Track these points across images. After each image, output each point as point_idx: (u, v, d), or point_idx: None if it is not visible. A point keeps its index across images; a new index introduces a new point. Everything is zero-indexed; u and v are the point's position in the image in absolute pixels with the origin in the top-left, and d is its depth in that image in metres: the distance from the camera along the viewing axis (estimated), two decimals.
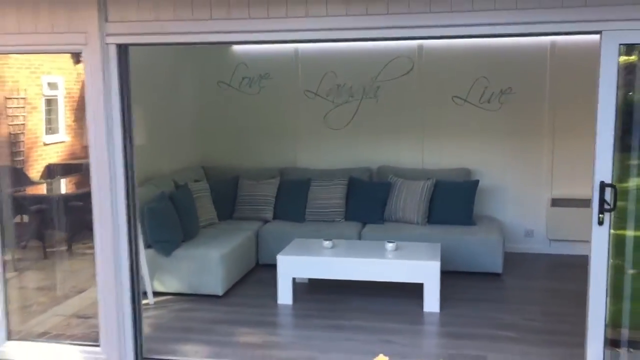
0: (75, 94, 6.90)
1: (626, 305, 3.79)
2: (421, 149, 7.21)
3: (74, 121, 7.01)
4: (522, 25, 3.48)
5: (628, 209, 3.71)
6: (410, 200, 6.70)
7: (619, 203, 3.49)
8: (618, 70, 3.35)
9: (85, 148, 4.03)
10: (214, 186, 6.89)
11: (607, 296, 3.56)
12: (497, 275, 6.17)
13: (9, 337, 4.35)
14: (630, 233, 3.75)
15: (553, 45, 6.76)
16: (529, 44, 6.79)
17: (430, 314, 5.14)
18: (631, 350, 3.88)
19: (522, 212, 7.07)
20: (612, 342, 3.77)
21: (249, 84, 7.48)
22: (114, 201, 4.02)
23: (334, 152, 7.36)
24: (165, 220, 5.61)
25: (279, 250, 5.79)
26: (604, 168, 3.43)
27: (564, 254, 6.89)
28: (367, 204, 6.83)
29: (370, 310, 5.26)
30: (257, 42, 4.10)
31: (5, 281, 4.31)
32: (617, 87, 3.35)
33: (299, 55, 7.29)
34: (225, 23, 3.76)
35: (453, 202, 6.65)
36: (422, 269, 5.21)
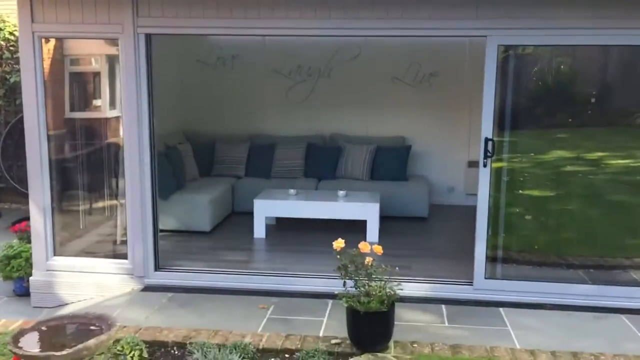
0: None
1: (500, 234, 5.45)
2: (365, 120, 8.80)
3: None
4: (435, 29, 5.10)
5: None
6: (356, 161, 8.32)
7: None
8: (497, 62, 4.99)
9: None
10: (195, 148, 8.31)
11: (489, 220, 5.23)
12: (424, 219, 7.87)
13: (55, 253, 5.73)
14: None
15: (471, 37, 8.43)
16: (452, 36, 8.43)
17: (371, 242, 6.77)
18: (502, 265, 5.54)
19: (446, 171, 8.79)
20: (490, 259, 5.41)
21: (222, 63, 8.88)
22: (141, 153, 5.44)
23: (295, 121, 8.87)
24: (163, 170, 7.00)
25: (251, 200, 7.30)
26: (487, 128, 5.10)
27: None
28: (322, 164, 8.41)
29: (325, 241, 6.79)
30: (251, 35, 5.55)
31: (53, 210, 5.66)
32: (496, 74, 5.00)
33: (265, 39, 8.72)
34: (228, 21, 5.22)
35: (390, 162, 8.30)
36: (366, 209, 6.84)
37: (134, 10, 5.26)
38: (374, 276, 4.15)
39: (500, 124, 5.19)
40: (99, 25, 5.32)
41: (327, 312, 5.02)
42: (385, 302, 4.08)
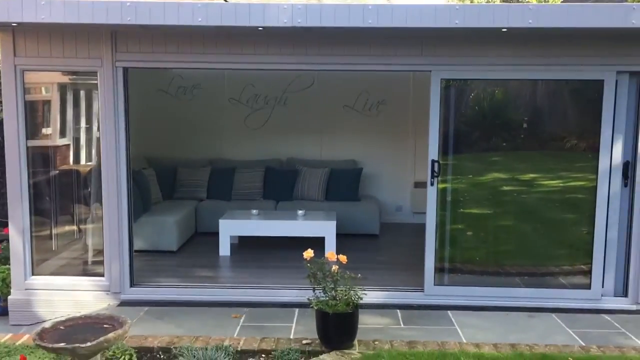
0: None
1: (447, 247, 6.10)
2: (319, 144, 9.43)
3: None
4: (387, 65, 5.78)
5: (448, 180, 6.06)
6: (312, 183, 8.90)
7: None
8: (440, 94, 5.70)
9: None
10: (157, 172, 8.72)
11: (436, 234, 5.89)
12: (375, 235, 8.50)
13: (33, 273, 6.04)
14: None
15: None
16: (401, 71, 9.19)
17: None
18: (449, 274, 6.20)
19: (394, 192, 9.48)
20: (438, 269, 6.06)
21: (183, 92, 9.35)
22: (119, 176, 5.87)
23: (253, 146, 9.40)
24: (133, 194, 7.41)
25: (213, 221, 7.77)
26: (433, 151, 5.78)
27: (423, 223, 9.32)
28: (279, 186, 8.95)
29: (285, 257, 7.36)
30: (221, 68, 6.08)
31: (31, 234, 5.99)
32: (440, 103, 5.70)
33: (225, 70, 9.25)
34: (201, 56, 5.76)
35: (343, 184, 8.92)
36: (324, 226, 7.41)
37: (113, 45, 5.72)
38: (339, 282, 4.70)
39: (443, 148, 5.87)
40: (79, 59, 5.76)
41: (295, 319, 5.52)
42: (351, 304, 4.64)
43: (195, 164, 9.14)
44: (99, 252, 6.14)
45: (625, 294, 5.89)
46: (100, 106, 5.83)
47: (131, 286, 6.05)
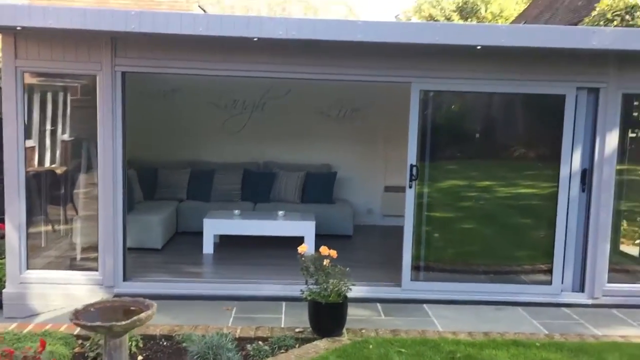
0: None
1: (422, 246, 6.57)
2: (296, 149, 9.83)
3: None
4: (370, 76, 6.24)
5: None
6: (289, 185, 9.30)
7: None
8: (419, 104, 6.19)
9: None
10: (139, 174, 8.97)
11: (413, 234, 6.36)
12: (349, 236, 8.95)
13: (28, 267, 6.25)
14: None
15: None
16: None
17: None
18: (424, 271, 6.67)
19: (365, 195, 9.96)
20: (414, 267, 6.54)
21: (163, 95, 9.63)
22: (115, 176, 6.15)
23: (231, 150, 9.74)
24: None
25: (193, 221, 8.11)
26: (412, 156, 6.26)
27: (392, 225, 9.84)
28: (257, 188, 9.32)
29: (267, 255, 7.74)
30: (217, 75, 6.40)
31: (27, 230, 6.21)
32: (419, 113, 6.19)
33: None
34: (194, 63, 6.10)
35: (319, 187, 9.35)
36: (303, 226, 7.81)
37: (113, 50, 6.01)
38: (330, 275, 5.11)
39: (420, 153, 6.36)
40: (79, 63, 6.02)
41: (283, 310, 5.91)
42: (341, 295, 5.06)
43: (176, 165, 9.42)
44: (90, 247, 6.41)
45: (582, 289, 6.47)
46: (98, 109, 6.10)
47: (124, 280, 6.32)
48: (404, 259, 6.41)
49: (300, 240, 7.89)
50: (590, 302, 6.40)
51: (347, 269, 5.27)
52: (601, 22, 9.31)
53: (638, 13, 8.88)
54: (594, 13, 9.77)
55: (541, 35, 5.66)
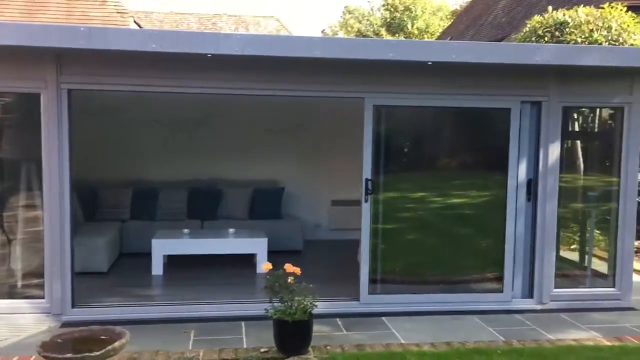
0: None
1: (378, 259, 6.62)
2: (241, 165, 9.71)
3: None
4: (322, 91, 6.28)
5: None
6: (236, 202, 9.19)
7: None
8: (372, 119, 6.26)
9: None
10: (77, 194, 8.61)
11: (369, 249, 6.40)
12: (299, 251, 8.91)
13: None
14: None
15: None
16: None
17: (261, 274, 7.65)
18: (381, 283, 6.72)
19: (312, 210, 9.96)
20: (372, 280, 6.58)
21: (103, 113, 9.31)
22: (62, 196, 5.89)
23: (175, 167, 9.52)
24: None
25: (138, 241, 7.88)
26: (367, 170, 6.32)
27: (340, 239, 9.88)
28: (203, 206, 9.15)
29: (218, 274, 7.60)
30: (163, 92, 6.27)
31: None
32: (372, 128, 6.27)
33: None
34: (145, 79, 5.95)
35: (267, 203, 9.29)
36: (256, 243, 7.74)
37: (57, 67, 5.78)
38: (294, 292, 5.07)
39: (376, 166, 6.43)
40: (21, 80, 5.76)
41: (243, 330, 5.81)
42: (307, 312, 5.02)
43: (117, 185, 9.13)
44: (31, 273, 6.10)
45: (531, 295, 6.70)
46: (43, 127, 5.84)
47: (72, 307, 6.04)
48: (361, 272, 6.44)
49: (250, 257, 7.82)
50: (539, 307, 6.64)
51: (311, 285, 5.24)
52: (533, 38, 9.73)
53: (567, 29, 9.34)
54: (525, 29, 10.20)
55: (493, 52, 5.87)
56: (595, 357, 5.13)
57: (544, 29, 9.60)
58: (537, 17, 10.03)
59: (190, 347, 5.36)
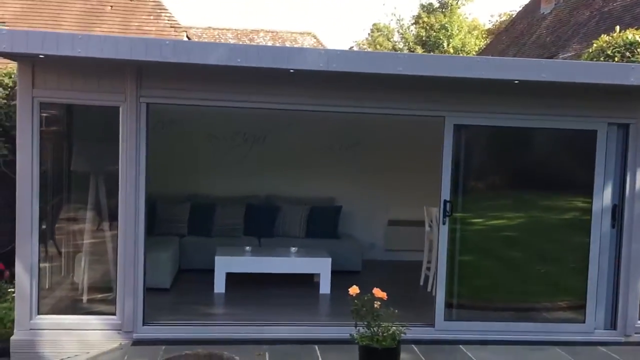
0: None
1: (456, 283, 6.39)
2: (297, 182, 9.55)
3: None
4: (400, 109, 6.11)
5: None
6: (293, 220, 9.04)
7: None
8: (453, 139, 6.06)
9: None
10: None
11: (446, 273, 6.18)
12: (357, 272, 8.69)
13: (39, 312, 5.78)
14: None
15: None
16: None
17: (324, 294, 7.48)
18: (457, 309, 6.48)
19: (368, 230, 9.73)
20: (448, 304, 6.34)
21: (162, 127, 9.25)
22: (137, 210, 5.79)
23: (231, 183, 9.39)
24: None
25: (196, 257, 7.76)
26: (445, 192, 6.11)
27: (395, 259, 9.64)
28: (260, 223, 9.01)
29: (280, 294, 7.42)
30: (242, 107, 6.17)
31: (38, 271, 5.75)
32: (452, 148, 6.07)
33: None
34: (212, 94, 5.84)
35: (324, 221, 9.11)
36: (319, 263, 7.55)
37: (138, 80, 5.70)
38: (379, 318, 4.87)
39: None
40: (101, 94, 5.69)
41: (318, 354, 5.61)
42: (395, 339, 4.81)
43: (175, 199, 9.03)
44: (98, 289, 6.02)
45: (614, 327, 6.39)
46: (121, 140, 5.75)
47: (144, 324, 5.91)
48: (437, 297, 6.21)
49: (309, 276, 7.64)
50: (622, 339, 6.33)
51: (396, 311, 5.04)
52: (601, 58, 9.45)
53: (638, 50, 9.07)
54: (590, 49, 9.94)
55: (582, 71, 5.65)
56: None
57: (613, 49, 9.32)
58: (604, 37, 9.77)
59: None
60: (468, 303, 6.45)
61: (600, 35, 10.22)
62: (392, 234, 9.70)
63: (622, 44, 9.34)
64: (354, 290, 4.93)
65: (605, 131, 6.22)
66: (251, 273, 7.73)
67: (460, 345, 5.99)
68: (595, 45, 9.90)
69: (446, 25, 38.96)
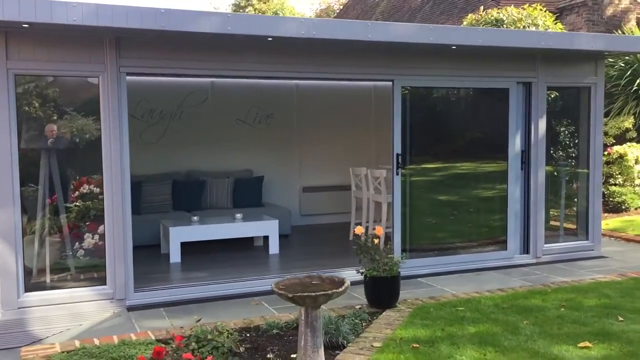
0: None
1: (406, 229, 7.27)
2: (216, 156, 9.83)
3: None
4: (357, 74, 6.83)
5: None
6: (219, 192, 9.34)
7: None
8: (401, 101, 6.91)
9: None
10: None
11: (401, 218, 7.03)
12: (287, 235, 9.25)
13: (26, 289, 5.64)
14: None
15: (297, 85, 10.24)
16: (281, 84, 10.09)
17: (274, 254, 7.99)
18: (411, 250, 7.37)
19: (283, 197, 10.32)
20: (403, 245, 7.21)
21: None
22: (123, 179, 5.86)
23: (153, 160, 9.39)
24: None
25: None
26: (397, 145, 6.94)
27: (312, 223, 10.38)
28: (187, 197, 9.18)
29: (234, 257, 7.79)
30: (223, 76, 6.41)
31: (22, 246, 5.60)
32: (401, 110, 6.91)
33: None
34: (197, 64, 6.10)
35: (248, 192, 9.52)
36: (268, 226, 8.02)
37: (117, 50, 5.75)
38: (378, 253, 5.58)
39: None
40: (79, 64, 5.66)
41: None
42: (395, 269, 5.56)
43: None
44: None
45: (527, 251, 7.72)
46: (102, 112, 5.77)
47: (135, 291, 6.01)
48: (394, 240, 7.04)
49: (249, 240, 8.15)
50: (534, 261, 7.67)
51: (388, 246, 5.77)
52: None
53: (504, 26, 10.67)
54: (462, 26, 11.43)
55: (515, 36, 6.89)
56: (621, 287, 6.19)
57: (484, 24, 10.85)
58: (472, 15, 11.30)
59: (277, 314, 5.62)
60: (419, 243, 7.37)
61: (438, 20, 11.76)
62: (306, 200, 10.39)
63: (488, 20, 10.91)
64: (359, 230, 5.56)
65: (515, 89, 7.48)
66: (195, 242, 7.93)
67: (419, 278, 6.90)
68: (465, 22, 11.40)
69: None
